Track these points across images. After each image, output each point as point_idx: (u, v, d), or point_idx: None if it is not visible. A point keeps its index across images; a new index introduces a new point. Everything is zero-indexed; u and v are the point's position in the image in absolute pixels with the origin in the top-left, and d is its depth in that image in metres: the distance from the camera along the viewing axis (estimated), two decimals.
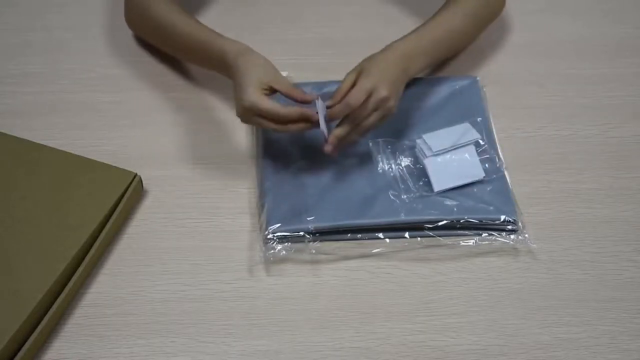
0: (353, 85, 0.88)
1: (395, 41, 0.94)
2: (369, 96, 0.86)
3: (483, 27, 1.04)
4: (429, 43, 0.95)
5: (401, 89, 0.91)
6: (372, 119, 0.87)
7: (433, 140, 0.92)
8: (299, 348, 0.81)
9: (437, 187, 0.90)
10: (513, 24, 1.13)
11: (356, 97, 0.86)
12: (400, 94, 0.91)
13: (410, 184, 0.91)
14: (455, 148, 0.92)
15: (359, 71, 0.89)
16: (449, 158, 0.92)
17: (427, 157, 0.92)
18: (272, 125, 0.86)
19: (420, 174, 0.92)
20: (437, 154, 0.91)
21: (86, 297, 0.84)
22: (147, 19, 1.00)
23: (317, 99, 0.88)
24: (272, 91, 0.88)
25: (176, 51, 1.02)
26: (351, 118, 0.87)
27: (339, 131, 0.87)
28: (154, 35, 1.03)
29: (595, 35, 1.13)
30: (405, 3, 1.17)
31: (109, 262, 0.87)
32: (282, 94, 0.88)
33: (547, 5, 1.17)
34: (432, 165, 0.91)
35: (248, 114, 0.87)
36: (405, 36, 0.95)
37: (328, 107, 0.88)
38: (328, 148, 0.87)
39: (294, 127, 0.87)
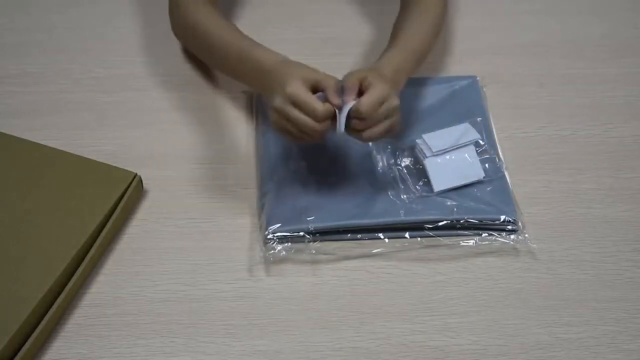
0: (360, 91, 0.85)
1: (383, 57, 0.92)
2: (381, 104, 0.83)
3: (440, 35, 1.02)
4: (410, 56, 0.94)
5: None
6: (382, 127, 0.85)
7: (433, 140, 0.92)
8: (299, 348, 0.81)
9: (437, 188, 0.90)
10: (513, 24, 1.13)
11: (371, 104, 0.82)
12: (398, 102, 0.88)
13: (410, 184, 0.91)
14: (455, 148, 0.92)
15: (364, 77, 0.85)
16: (448, 158, 0.92)
17: (427, 157, 0.92)
18: (307, 122, 0.82)
19: (420, 174, 0.92)
20: (437, 155, 0.91)
21: (86, 297, 0.84)
22: (188, 28, 1.00)
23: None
24: (314, 91, 0.84)
25: (216, 62, 1.00)
26: (361, 124, 0.84)
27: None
28: (199, 47, 1.01)
29: (595, 35, 1.13)
30: None
31: (109, 262, 0.87)
32: (327, 94, 0.84)
33: (547, 5, 1.17)
34: (432, 166, 0.91)
35: (285, 107, 0.82)
36: (388, 52, 0.93)
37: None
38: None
39: (320, 128, 0.83)
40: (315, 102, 0.82)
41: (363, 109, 0.82)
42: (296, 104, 0.82)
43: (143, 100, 1.03)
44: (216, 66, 1.03)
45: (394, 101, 0.85)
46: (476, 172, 0.92)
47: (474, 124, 0.95)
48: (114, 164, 0.91)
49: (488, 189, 0.91)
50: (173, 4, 1.01)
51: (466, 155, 0.92)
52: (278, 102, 0.83)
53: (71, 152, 0.92)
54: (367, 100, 0.82)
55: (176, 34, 1.04)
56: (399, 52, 0.93)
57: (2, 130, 0.95)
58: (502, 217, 0.88)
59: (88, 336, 0.81)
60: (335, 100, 0.83)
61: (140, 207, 0.92)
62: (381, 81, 0.84)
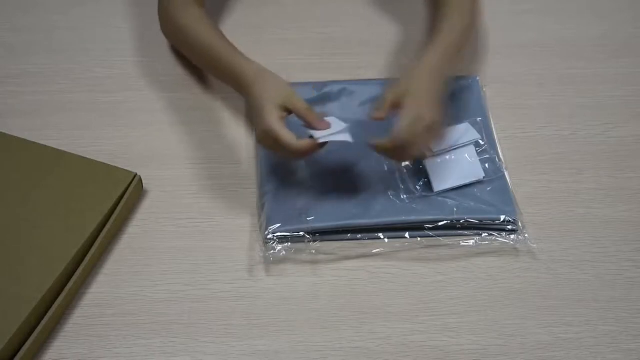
0: (396, 104, 0.86)
1: (422, 57, 0.91)
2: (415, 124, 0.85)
3: (472, 33, 1.01)
4: (449, 50, 0.93)
5: (440, 104, 0.89)
6: (420, 145, 0.86)
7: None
8: (299, 348, 0.81)
9: (437, 188, 0.90)
10: (513, 24, 1.13)
11: (406, 130, 0.84)
12: (440, 110, 0.88)
13: (410, 185, 0.91)
14: (455, 148, 0.92)
15: (403, 93, 0.86)
16: (448, 158, 0.92)
17: (427, 157, 0.91)
18: (289, 153, 0.85)
19: (420, 174, 0.92)
20: (437, 154, 0.91)
21: (86, 297, 0.84)
22: (177, 31, 1.01)
23: (328, 120, 0.87)
24: (289, 112, 0.87)
25: (202, 66, 1.03)
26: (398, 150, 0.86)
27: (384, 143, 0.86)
28: (184, 48, 1.03)
29: (595, 35, 1.13)
30: (405, 3, 1.17)
31: (109, 262, 0.87)
32: (297, 116, 0.87)
33: (546, 5, 1.17)
34: (432, 166, 0.91)
35: (268, 139, 0.86)
36: (426, 49, 0.93)
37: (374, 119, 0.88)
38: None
39: (303, 156, 0.87)
40: (290, 141, 0.84)
41: (402, 136, 0.84)
42: (275, 139, 0.84)
43: (143, 100, 1.03)
44: (203, 69, 1.04)
45: (427, 118, 0.85)
46: (476, 172, 0.92)
47: (474, 124, 0.95)
48: (114, 164, 0.91)
49: (488, 189, 0.91)
50: (161, 5, 1.03)
51: (466, 155, 0.92)
52: (260, 135, 0.87)
53: (71, 152, 0.92)
54: (402, 127, 0.84)
55: (164, 34, 1.05)
56: (437, 49, 0.92)
57: (2, 130, 0.95)
58: (502, 217, 0.88)
59: (88, 336, 0.81)
60: (310, 118, 0.86)
61: (141, 207, 0.92)
62: (414, 103, 0.85)
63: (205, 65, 1.02)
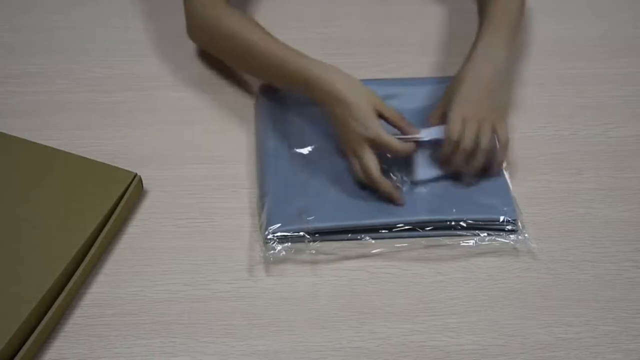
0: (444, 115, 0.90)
1: (475, 44, 0.94)
2: (464, 127, 0.87)
3: (525, 4, 1.03)
4: (500, 34, 0.94)
5: (496, 96, 0.91)
6: (481, 152, 0.88)
7: (426, 132, 0.91)
8: (299, 348, 0.81)
9: (420, 176, 0.90)
10: None
11: (453, 133, 0.87)
12: (498, 102, 0.91)
13: (400, 174, 0.91)
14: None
15: (447, 101, 0.90)
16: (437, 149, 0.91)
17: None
18: (373, 166, 0.86)
19: (407, 163, 0.92)
20: (425, 144, 0.90)
21: (86, 297, 0.84)
22: (217, 34, 0.97)
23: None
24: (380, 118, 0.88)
25: (251, 69, 0.99)
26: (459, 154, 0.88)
27: (457, 162, 0.89)
28: (226, 52, 0.99)
29: (595, 35, 1.13)
30: (405, 3, 1.17)
31: (109, 262, 0.87)
32: (389, 122, 0.88)
33: (547, 5, 1.17)
34: (421, 155, 0.91)
35: (364, 146, 0.86)
36: (478, 34, 0.95)
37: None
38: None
39: (385, 186, 0.88)
40: (394, 142, 0.86)
41: (452, 138, 0.86)
42: (376, 146, 0.86)
43: (143, 100, 1.03)
44: (249, 72, 1.01)
45: (474, 118, 0.87)
46: None
47: None
48: (114, 164, 0.91)
49: (488, 189, 0.91)
50: (190, 6, 0.99)
51: None
52: (359, 142, 0.86)
53: (71, 152, 0.92)
54: (450, 126, 0.87)
55: (193, 37, 1.02)
56: (489, 32, 0.94)
57: (2, 130, 0.95)
58: (502, 217, 0.88)
59: (88, 336, 0.81)
60: (402, 123, 0.88)
61: (141, 207, 0.92)
62: (458, 106, 0.88)
63: (258, 68, 0.97)
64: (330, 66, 0.90)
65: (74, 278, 0.82)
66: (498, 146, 0.89)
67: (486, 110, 0.89)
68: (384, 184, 0.87)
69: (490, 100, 0.90)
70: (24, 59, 1.08)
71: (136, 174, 0.90)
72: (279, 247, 0.86)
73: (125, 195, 0.88)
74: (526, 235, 0.88)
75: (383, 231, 0.88)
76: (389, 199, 0.88)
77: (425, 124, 0.92)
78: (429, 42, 1.10)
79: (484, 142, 0.88)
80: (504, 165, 0.91)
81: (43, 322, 0.79)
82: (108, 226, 0.86)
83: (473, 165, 0.89)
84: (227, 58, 1.01)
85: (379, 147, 0.87)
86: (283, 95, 1.00)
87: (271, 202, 0.89)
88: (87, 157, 0.92)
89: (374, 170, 0.87)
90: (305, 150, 0.95)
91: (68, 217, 0.86)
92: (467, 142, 0.87)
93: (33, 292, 0.79)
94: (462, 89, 0.90)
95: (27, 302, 0.78)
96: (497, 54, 0.93)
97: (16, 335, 0.76)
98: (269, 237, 0.86)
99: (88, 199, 0.88)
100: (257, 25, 0.96)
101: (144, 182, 0.92)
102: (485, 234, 0.88)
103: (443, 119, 0.90)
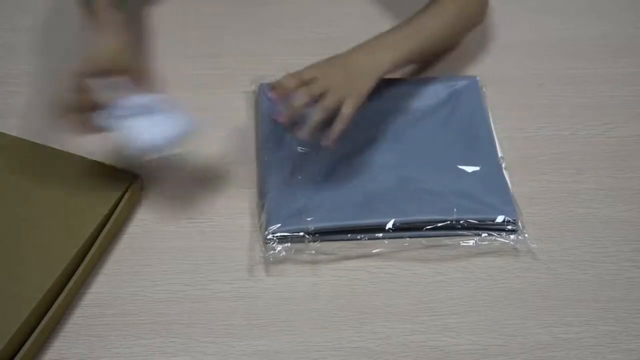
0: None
1: (377, 35, 0.94)
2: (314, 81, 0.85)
3: (460, 36, 1.03)
4: (399, 38, 0.94)
5: (360, 82, 0.88)
6: (317, 109, 0.84)
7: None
8: (299, 348, 0.81)
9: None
10: (513, 23, 1.13)
11: (300, 73, 0.85)
12: (358, 85, 0.87)
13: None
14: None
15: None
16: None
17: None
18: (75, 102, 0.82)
19: None
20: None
21: (86, 297, 0.84)
22: None
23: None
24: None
25: None
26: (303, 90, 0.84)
27: (296, 102, 0.84)
28: None
29: (596, 35, 1.13)
30: (405, 3, 1.17)
31: (109, 262, 0.87)
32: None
33: (546, 5, 1.17)
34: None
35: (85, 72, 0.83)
36: (381, 33, 0.95)
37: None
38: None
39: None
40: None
41: (301, 74, 0.85)
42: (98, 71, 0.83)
43: None
44: None
45: (325, 81, 0.85)
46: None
47: (475, 123, 0.96)
48: (114, 164, 0.91)
49: (488, 189, 0.91)
50: None
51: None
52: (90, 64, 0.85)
53: (71, 152, 0.92)
54: (304, 70, 0.86)
55: None
56: (387, 32, 0.94)
57: (2, 130, 0.95)
58: (502, 217, 0.88)
59: (88, 336, 0.81)
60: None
61: (141, 207, 0.92)
62: (322, 64, 0.88)
63: None
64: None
65: (74, 278, 0.82)
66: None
67: (341, 83, 0.86)
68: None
69: (349, 79, 0.87)
70: (24, 59, 1.08)
71: (136, 174, 0.90)
72: (279, 247, 0.86)
73: (125, 195, 0.88)
74: (526, 235, 0.88)
75: (383, 231, 0.88)
76: None
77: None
78: None
79: (327, 101, 0.84)
80: (330, 142, 0.86)
81: (43, 322, 0.79)
82: (108, 226, 0.86)
83: (310, 123, 0.84)
84: None
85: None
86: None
87: (271, 202, 0.89)
88: (87, 157, 0.92)
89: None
90: (306, 150, 0.95)
91: (68, 217, 0.86)
92: (314, 89, 0.84)
93: (33, 292, 0.79)
94: (333, 59, 0.89)
95: (27, 302, 0.78)
96: (386, 54, 0.91)
97: (16, 335, 0.76)
98: (269, 237, 0.87)
99: (88, 199, 0.88)
100: None
101: (145, 182, 0.92)
102: (486, 234, 0.88)
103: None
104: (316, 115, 0.84)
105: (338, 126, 0.85)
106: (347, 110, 0.85)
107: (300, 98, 0.84)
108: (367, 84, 0.88)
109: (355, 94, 0.86)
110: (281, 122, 0.86)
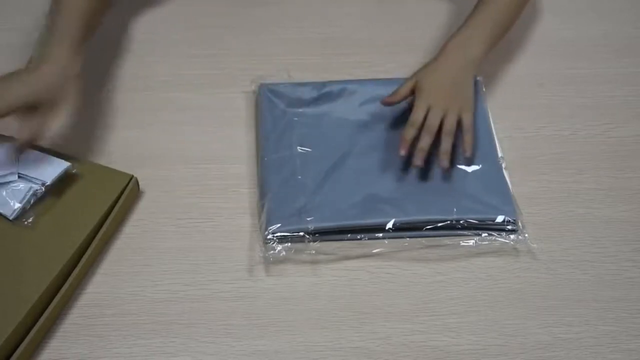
0: (411, 93, 0.92)
1: (451, 37, 0.96)
2: (428, 112, 0.90)
3: (523, 10, 1.03)
4: (484, 30, 0.96)
5: (464, 86, 0.92)
6: (445, 136, 0.89)
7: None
8: (299, 348, 0.81)
9: None
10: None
11: (416, 118, 0.89)
12: (465, 92, 0.92)
13: None
14: None
15: (414, 83, 0.92)
16: None
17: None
18: None
19: None
20: None
21: (86, 297, 0.84)
22: None
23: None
24: None
25: None
26: (425, 132, 0.89)
27: (421, 144, 0.89)
28: None
29: (596, 36, 1.13)
30: (405, 3, 1.17)
31: (109, 262, 0.87)
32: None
33: (547, 5, 1.17)
34: None
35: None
36: (459, 29, 0.96)
37: (387, 103, 0.93)
38: (402, 151, 0.89)
39: None
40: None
41: (412, 121, 0.89)
42: None
43: (143, 100, 1.03)
44: None
45: (437, 112, 0.89)
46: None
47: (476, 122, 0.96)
48: (112, 164, 0.91)
49: (488, 189, 0.91)
50: None
51: None
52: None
53: (69, 152, 0.92)
54: (412, 114, 0.90)
55: None
56: (469, 27, 0.96)
57: (2, 130, 0.94)
58: (502, 217, 0.88)
59: (88, 336, 0.81)
60: None
61: (138, 208, 0.92)
62: (423, 91, 0.91)
63: None
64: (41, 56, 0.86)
65: (70, 279, 0.82)
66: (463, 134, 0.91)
67: (451, 101, 0.90)
68: None
69: (456, 91, 0.91)
70: (24, 59, 1.08)
71: (132, 176, 0.90)
72: (279, 247, 0.86)
73: (122, 197, 0.88)
74: (526, 235, 0.88)
75: (383, 231, 0.88)
76: None
77: (394, 96, 0.93)
78: (429, 42, 1.10)
79: (447, 126, 0.89)
80: (469, 152, 0.91)
81: (39, 322, 0.79)
82: (104, 228, 0.86)
83: (442, 150, 0.89)
84: None
85: None
86: (283, 95, 1.00)
87: (271, 202, 0.89)
88: (86, 157, 0.92)
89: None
90: (306, 150, 0.95)
91: (64, 218, 0.86)
92: (430, 126, 0.89)
93: (30, 292, 0.79)
94: (431, 78, 0.92)
95: (24, 302, 0.78)
96: (472, 48, 0.94)
97: (12, 335, 0.76)
98: (269, 237, 0.86)
99: (85, 200, 0.87)
100: None
101: (144, 182, 0.92)
102: (486, 234, 0.88)
103: (411, 93, 0.92)
104: (446, 144, 0.89)
105: (469, 136, 0.90)
106: (467, 121, 0.91)
107: (426, 143, 0.89)
108: (469, 88, 0.92)
109: (466, 105, 0.91)
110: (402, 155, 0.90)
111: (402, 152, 0.89)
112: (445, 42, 0.96)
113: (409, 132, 0.89)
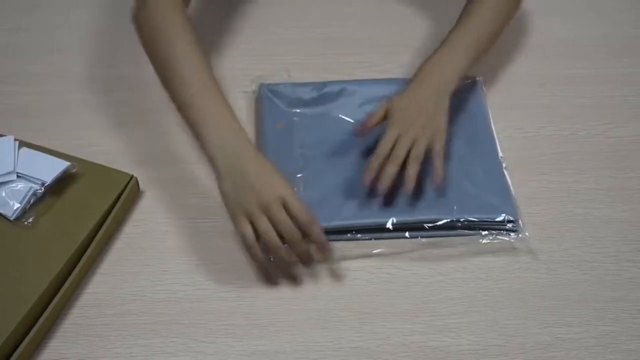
0: (385, 118, 0.90)
1: (427, 59, 0.94)
2: (397, 141, 0.88)
3: (506, 24, 1.01)
4: (460, 51, 0.94)
5: (437, 112, 0.90)
6: (411, 162, 0.87)
7: None
8: (299, 348, 0.81)
9: None
10: (513, 24, 1.13)
11: (384, 147, 0.87)
12: (437, 118, 0.90)
13: None
14: None
15: (386, 109, 0.91)
16: None
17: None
18: (273, 238, 0.79)
19: None
20: None
21: (86, 297, 0.84)
22: (150, 31, 0.89)
23: None
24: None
25: (165, 84, 0.89)
26: (390, 161, 0.87)
27: (386, 172, 0.86)
28: (151, 54, 0.91)
29: (596, 36, 1.13)
30: (405, 3, 1.17)
31: (109, 262, 0.87)
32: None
33: (547, 5, 1.17)
34: None
35: (270, 207, 0.79)
36: (436, 50, 0.95)
37: (359, 132, 0.92)
38: (366, 181, 0.87)
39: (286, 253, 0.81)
40: (304, 206, 0.80)
41: (379, 152, 0.87)
42: (285, 205, 0.80)
43: (143, 100, 1.03)
44: (163, 85, 0.90)
45: (405, 140, 0.87)
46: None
47: (474, 124, 0.95)
48: (112, 165, 0.91)
49: (488, 188, 0.91)
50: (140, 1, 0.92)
51: None
52: (271, 197, 0.79)
53: (69, 152, 0.92)
54: (380, 143, 0.87)
55: (137, 32, 0.93)
56: (446, 49, 0.94)
57: (2, 130, 0.95)
58: (502, 217, 0.88)
59: (88, 336, 0.81)
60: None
61: (137, 208, 0.92)
62: (393, 120, 0.89)
63: (172, 92, 0.87)
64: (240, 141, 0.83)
65: (70, 279, 0.82)
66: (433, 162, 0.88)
67: (422, 129, 0.88)
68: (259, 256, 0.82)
69: (428, 118, 0.89)
70: (24, 59, 1.08)
71: (132, 176, 0.90)
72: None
73: (122, 197, 0.88)
74: (526, 234, 0.88)
75: (383, 231, 0.88)
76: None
77: (367, 122, 0.91)
78: (428, 42, 1.10)
79: (413, 153, 0.87)
80: (439, 181, 0.88)
81: (39, 322, 0.79)
82: (104, 228, 0.86)
83: (406, 175, 0.86)
84: (154, 65, 0.91)
85: (289, 211, 0.80)
86: (283, 95, 1.00)
87: None
88: (86, 157, 0.92)
89: (273, 237, 0.80)
90: (306, 150, 0.95)
91: (64, 219, 0.86)
92: (396, 156, 0.86)
93: (30, 292, 0.79)
94: (403, 105, 0.90)
95: (24, 302, 0.78)
96: (447, 72, 0.92)
97: (13, 335, 0.76)
98: None
99: (85, 200, 0.87)
100: (196, 47, 0.87)
101: (143, 182, 0.92)
102: (486, 234, 0.88)
103: (383, 120, 0.90)
104: (412, 170, 0.87)
105: (438, 163, 0.88)
106: (438, 148, 0.88)
107: (391, 171, 0.86)
108: (443, 114, 0.90)
109: (438, 133, 0.89)
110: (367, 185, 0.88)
111: (366, 183, 0.87)
112: (420, 65, 0.94)
113: (375, 162, 0.87)
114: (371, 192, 0.89)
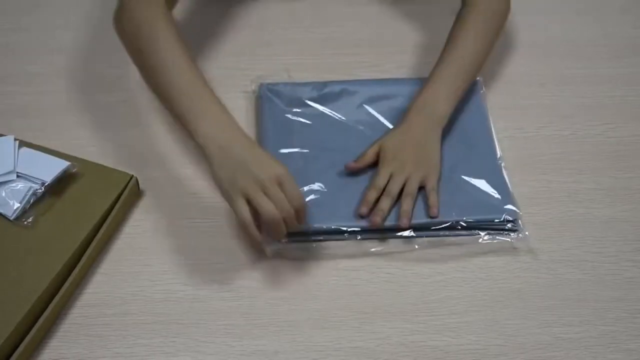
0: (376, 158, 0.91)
1: (415, 97, 0.94)
2: (390, 179, 0.89)
3: (496, 39, 1.01)
4: (449, 81, 0.94)
5: (429, 149, 0.91)
6: (405, 198, 0.88)
7: None
8: (299, 348, 0.81)
9: None
10: (513, 24, 1.13)
11: (379, 183, 0.88)
12: (429, 155, 0.91)
13: None
14: None
15: (378, 149, 0.91)
16: None
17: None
18: (272, 211, 0.79)
19: None
20: None
21: (86, 297, 0.84)
22: (132, 29, 0.89)
23: None
24: None
25: (149, 81, 0.89)
26: (384, 196, 0.88)
27: (381, 205, 0.87)
28: (134, 51, 0.90)
29: (596, 36, 1.13)
30: (405, 3, 1.17)
31: (109, 262, 0.87)
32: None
33: (547, 5, 1.17)
34: None
35: (267, 185, 0.79)
36: (423, 86, 0.94)
37: (351, 169, 0.92)
38: (362, 211, 0.87)
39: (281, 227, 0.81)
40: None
41: (375, 185, 0.88)
42: (282, 184, 0.80)
43: (143, 100, 1.03)
44: (148, 83, 0.90)
45: (398, 179, 0.88)
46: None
47: (474, 125, 0.95)
48: (112, 164, 0.91)
49: (488, 189, 0.91)
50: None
51: None
52: (271, 177, 0.79)
53: (69, 152, 0.92)
54: (375, 179, 0.89)
55: (118, 33, 0.93)
56: (434, 82, 0.94)
57: (2, 130, 0.95)
58: (502, 217, 0.88)
59: (88, 336, 0.81)
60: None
61: (138, 208, 0.92)
62: (385, 159, 0.90)
63: (156, 90, 0.87)
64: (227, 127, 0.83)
65: (70, 279, 0.82)
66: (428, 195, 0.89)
67: (414, 167, 0.89)
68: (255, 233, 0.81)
69: (420, 156, 0.90)
70: (24, 59, 1.08)
71: (132, 176, 0.90)
72: (279, 247, 0.86)
73: (122, 197, 0.88)
74: (526, 234, 0.88)
75: (383, 231, 0.88)
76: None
77: (359, 161, 0.91)
78: (427, 42, 1.10)
79: (407, 189, 0.88)
80: (434, 212, 0.88)
81: (39, 322, 0.79)
82: (104, 228, 0.86)
83: (401, 210, 0.87)
84: (137, 63, 0.91)
85: (285, 190, 0.80)
86: (283, 95, 1.00)
87: None
88: (86, 157, 0.92)
89: (275, 212, 0.79)
90: (305, 150, 0.95)
91: (64, 219, 0.86)
92: (390, 191, 0.88)
93: (30, 292, 0.79)
94: (394, 143, 0.91)
95: (24, 302, 0.78)
96: (439, 105, 0.93)
97: (13, 335, 0.76)
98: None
99: (85, 200, 0.87)
100: (183, 44, 0.87)
101: (143, 182, 0.92)
102: (485, 234, 0.88)
103: (376, 159, 0.91)
104: (406, 205, 0.87)
105: (433, 199, 0.88)
106: (431, 184, 0.89)
107: (386, 205, 0.87)
108: (435, 149, 0.91)
109: (430, 170, 0.90)
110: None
111: (363, 212, 0.87)
112: (410, 102, 0.94)
113: (371, 195, 0.88)
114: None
